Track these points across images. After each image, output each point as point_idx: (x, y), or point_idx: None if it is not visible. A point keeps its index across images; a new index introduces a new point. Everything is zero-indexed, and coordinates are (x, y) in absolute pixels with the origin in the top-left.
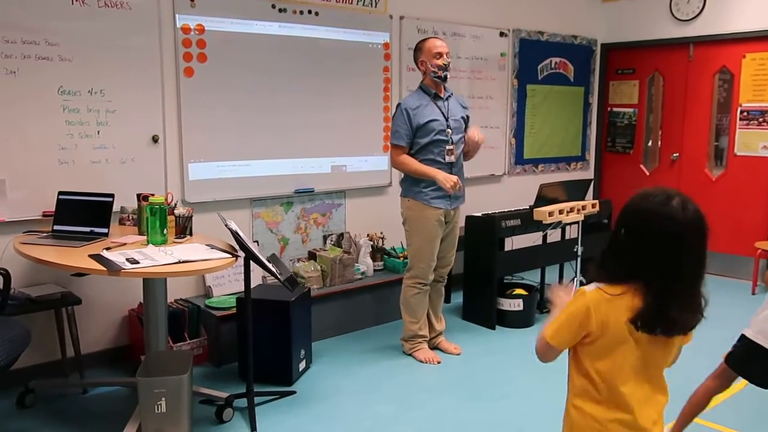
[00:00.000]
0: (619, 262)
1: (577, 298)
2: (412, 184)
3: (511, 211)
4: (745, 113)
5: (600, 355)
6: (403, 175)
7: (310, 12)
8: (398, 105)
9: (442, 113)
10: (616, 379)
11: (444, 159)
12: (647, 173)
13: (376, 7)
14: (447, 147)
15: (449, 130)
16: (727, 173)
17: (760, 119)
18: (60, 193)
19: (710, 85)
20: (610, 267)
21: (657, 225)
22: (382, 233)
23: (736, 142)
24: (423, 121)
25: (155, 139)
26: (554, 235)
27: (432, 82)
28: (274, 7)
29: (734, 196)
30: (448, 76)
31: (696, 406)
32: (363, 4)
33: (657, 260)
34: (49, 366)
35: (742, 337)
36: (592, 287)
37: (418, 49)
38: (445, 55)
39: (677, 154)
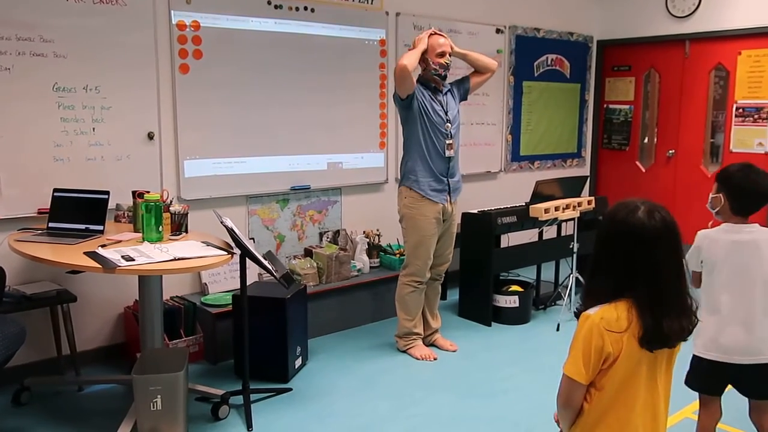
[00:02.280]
0: (604, 279)
1: (584, 323)
2: (410, 171)
3: (507, 207)
4: (741, 110)
5: (619, 376)
6: (402, 158)
7: (305, 8)
8: None
9: (442, 107)
10: (631, 401)
11: (444, 153)
12: (643, 170)
13: (372, 3)
14: (447, 141)
15: (448, 124)
16: None
17: (756, 116)
18: (55, 190)
19: (706, 81)
20: (598, 287)
21: (627, 233)
22: (378, 230)
23: (732, 139)
24: (426, 110)
25: (150, 136)
26: (550, 232)
27: (431, 78)
28: (269, 3)
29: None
30: (448, 75)
31: None
32: (359, 1)
33: (636, 269)
34: (44, 363)
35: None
36: (595, 309)
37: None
38: (447, 55)
39: (673, 151)
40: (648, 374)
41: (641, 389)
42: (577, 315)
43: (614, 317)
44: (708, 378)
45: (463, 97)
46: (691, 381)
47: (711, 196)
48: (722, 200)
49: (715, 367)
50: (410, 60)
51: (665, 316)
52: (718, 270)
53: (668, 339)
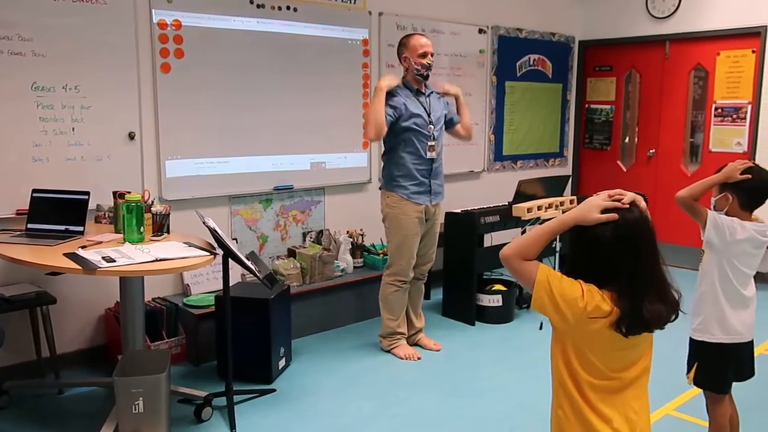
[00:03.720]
0: (585, 277)
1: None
2: (392, 177)
3: (490, 207)
4: (720, 110)
5: (587, 344)
6: (383, 165)
7: (288, 8)
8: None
9: (424, 109)
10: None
11: (426, 155)
12: (624, 169)
13: (354, 3)
14: (429, 143)
15: (431, 126)
16: (703, 169)
17: (734, 116)
18: (34, 190)
19: (685, 82)
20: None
21: (611, 228)
22: (361, 230)
23: (711, 139)
24: (407, 114)
25: (131, 136)
26: None
27: (414, 79)
28: (252, 2)
29: (710, 192)
30: (430, 75)
31: None
32: (342, 1)
33: (617, 260)
34: (23, 366)
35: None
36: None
37: (402, 44)
38: (429, 55)
39: (653, 151)
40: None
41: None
42: None
43: (598, 299)
44: (728, 368)
45: (448, 126)
46: (713, 377)
47: (714, 198)
48: (730, 198)
49: (734, 354)
50: (376, 130)
51: (644, 299)
52: (737, 260)
53: (647, 323)
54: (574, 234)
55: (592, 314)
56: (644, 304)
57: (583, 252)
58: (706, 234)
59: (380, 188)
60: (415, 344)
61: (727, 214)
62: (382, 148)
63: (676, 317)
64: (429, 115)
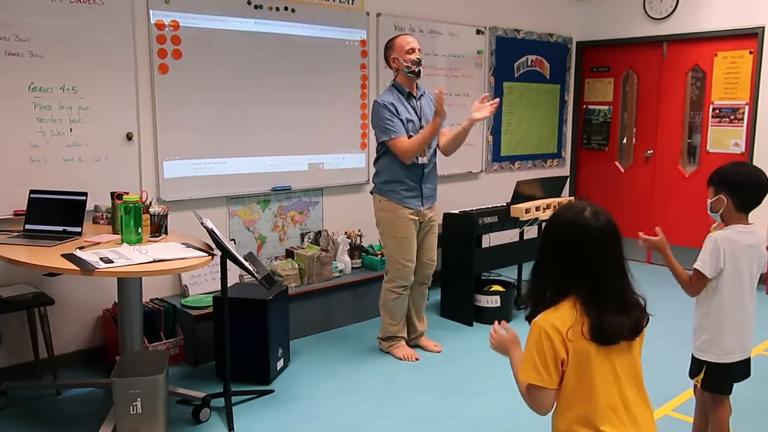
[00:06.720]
0: (549, 278)
1: (533, 329)
2: (384, 182)
3: (488, 208)
4: (717, 111)
5: (576, 379)
6: (375, 171)
7: (286, 9)
8: (375, 102)
9: (416, 113)
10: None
11: (417, 160)
12: (622, 170)
13: (352, 4)
14: None
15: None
16: (700, 170)
17: (731, 117)
18: (32, 191)
19: (683, 83)
20: (541, 287)
21: (574, 233)
22: (359, 231)
23: (709, 139)
24: (399, 117)
25: (129, 137)
26: (531, 232)
27: (406, 80)
28: (249, 3)
29: (707, 192)
30: (422, 71)
31: None
32: (340, 1)
33: (581, 267)
34: (21, 367)
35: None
36: (540, 315)
37: (388, 47)
38: (417, 50)
39: (651, 151)
40: (605, 368)
41: (598, 383)
42: (529, 320)
43: (556, 310)
44: (732, 378)
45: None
46: (719, 386)
47: (710, 201)
48: (725, 201)
49: (737, 366)
50: (418, 146)
51: (606, 312)
52: (740, 273)
53: (611, 336)
54: (547, 236)
55: (554, 312)
56: (606, 316)
57: (553, 253)
58: (708, 269)
59: (372, 192)
60: (416, 346)
61: (722, 216)
62: (374, 154)
63: (647, 322)
64: (420, 120)
